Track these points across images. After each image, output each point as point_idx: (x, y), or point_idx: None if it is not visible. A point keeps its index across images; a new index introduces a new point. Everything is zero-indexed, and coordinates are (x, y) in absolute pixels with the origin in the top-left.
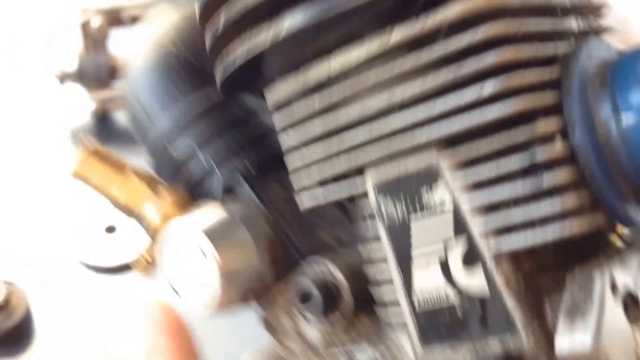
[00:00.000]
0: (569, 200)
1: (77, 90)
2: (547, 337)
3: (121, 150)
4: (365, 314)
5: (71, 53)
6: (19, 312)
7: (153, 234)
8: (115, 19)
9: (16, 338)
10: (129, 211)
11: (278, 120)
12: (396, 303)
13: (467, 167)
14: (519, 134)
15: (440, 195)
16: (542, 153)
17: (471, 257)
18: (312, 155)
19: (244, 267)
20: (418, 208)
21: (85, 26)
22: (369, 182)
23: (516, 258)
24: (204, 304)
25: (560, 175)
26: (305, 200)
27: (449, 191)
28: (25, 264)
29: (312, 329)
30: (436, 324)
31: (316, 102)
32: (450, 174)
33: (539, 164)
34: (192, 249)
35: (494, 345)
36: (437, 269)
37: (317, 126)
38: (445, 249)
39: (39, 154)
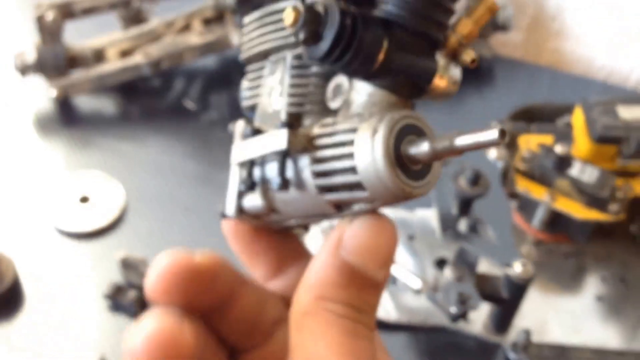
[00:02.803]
0: None
1: (38, 79)
2: None
3: (84, 132)
4: None
5: (29, 46)
6: (8, 279)
7: None
8: (67, 12)
9: (8, 302)
10: None
11: None
12: None
13: None
14: None
15: None
16: None
17: None
18: None
19: None
20: None
21: (40, 20)
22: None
23: None
24: None
25: None
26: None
27: None
28: (10, 235)
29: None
30: None
31: None
32: None
33: None
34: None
35: None
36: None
37: None
38: None
39: (11, 137)
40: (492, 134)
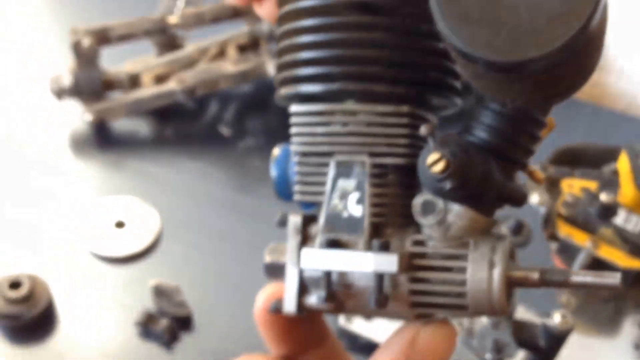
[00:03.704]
0: None
1: (74, 103)
2: None
3: (118, 156)
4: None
5: (65, 70)
6: (42, 302)
7: None
8: (103, 37)
9: (42, 326)
10: None
11: None
12: None
13: None
14: None
15: None
16: None
17: None
18: None
19: None
20: None
21: (76, 45)
22: None
23: None
24: None
25: None
26: None
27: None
28: (45, 258)
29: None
30: None
31: None
32: None
33: None
34: None
35: None
36: None
37: None
38: None
39: (47, 160)
40: (614, 279)
